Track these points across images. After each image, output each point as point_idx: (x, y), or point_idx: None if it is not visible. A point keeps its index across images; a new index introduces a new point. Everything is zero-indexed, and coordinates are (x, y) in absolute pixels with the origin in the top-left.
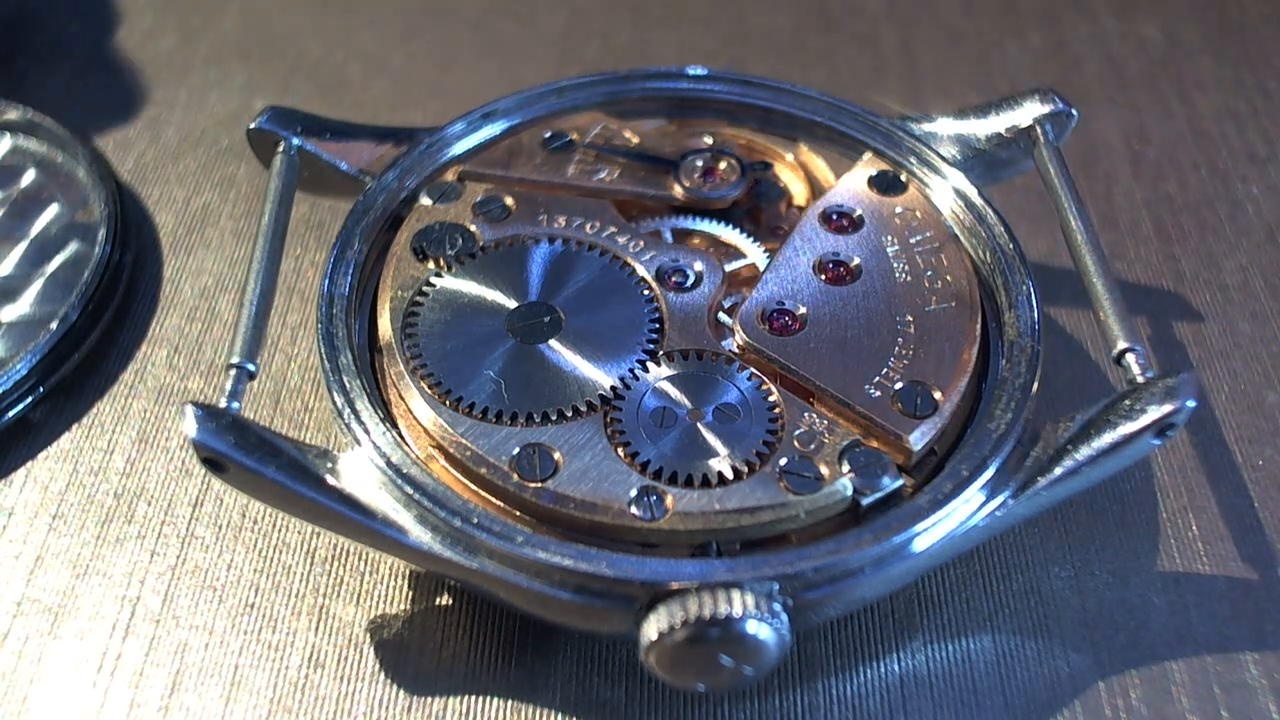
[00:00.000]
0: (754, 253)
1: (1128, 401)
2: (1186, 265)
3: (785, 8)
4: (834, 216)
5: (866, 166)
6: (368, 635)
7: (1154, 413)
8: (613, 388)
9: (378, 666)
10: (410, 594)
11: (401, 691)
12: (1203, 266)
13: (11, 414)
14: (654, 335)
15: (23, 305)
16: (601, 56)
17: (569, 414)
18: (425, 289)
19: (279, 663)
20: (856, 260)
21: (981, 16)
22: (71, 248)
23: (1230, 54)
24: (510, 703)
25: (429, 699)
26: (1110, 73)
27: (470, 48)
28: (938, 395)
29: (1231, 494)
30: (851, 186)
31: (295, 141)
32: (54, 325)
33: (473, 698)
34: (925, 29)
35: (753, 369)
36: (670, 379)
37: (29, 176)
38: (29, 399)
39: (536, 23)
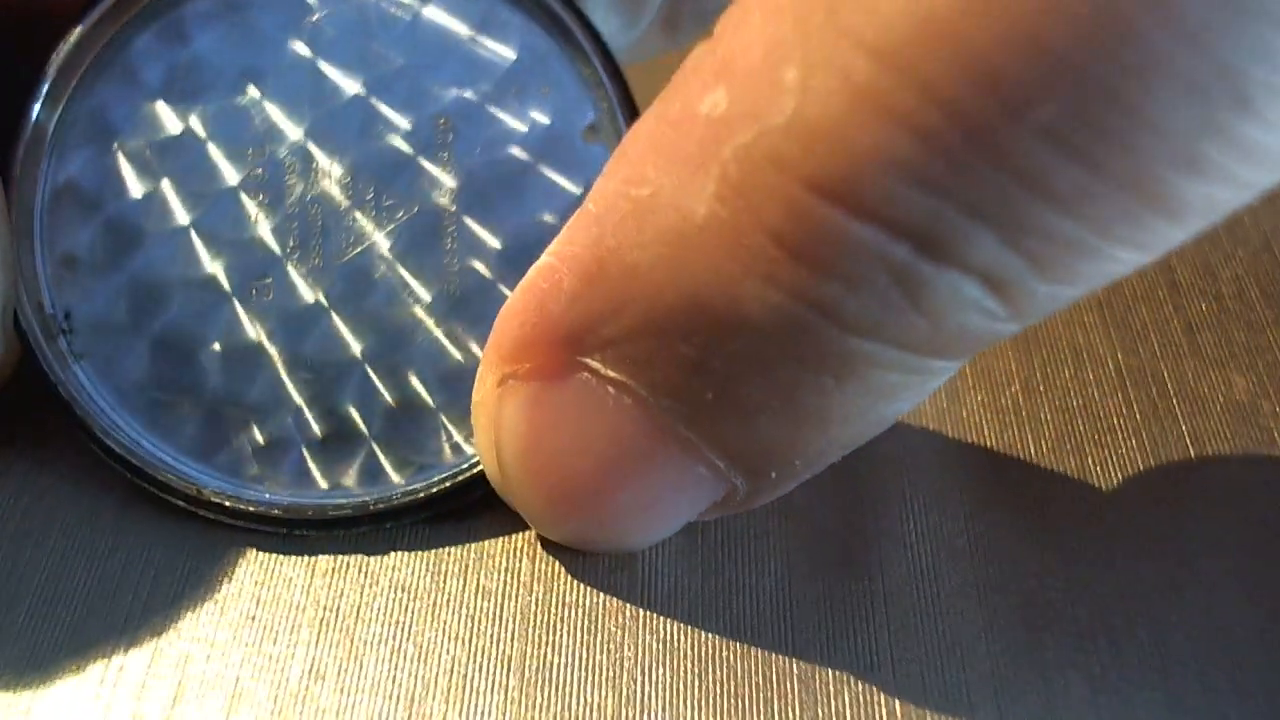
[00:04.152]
0: None
1: None
2: (1182, 274)
3: None
4: None
5: None
6: (368, 647)
7: None
8: None
9: (377, 679)
10: (409, 606)
11: (401, 704)
12: (1198, 275)
13: None
14: None
15: None
16: None
17: None
18: None
19: (279, 674)
20: None
21: None
22: None
23: None
24: (509, 716)
25: (428, 712)
26: None
27: None
28: None
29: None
30: None
31: None
32: None
33: (471, 709)
34: None
35: None
36: None
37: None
38: None
39: None
